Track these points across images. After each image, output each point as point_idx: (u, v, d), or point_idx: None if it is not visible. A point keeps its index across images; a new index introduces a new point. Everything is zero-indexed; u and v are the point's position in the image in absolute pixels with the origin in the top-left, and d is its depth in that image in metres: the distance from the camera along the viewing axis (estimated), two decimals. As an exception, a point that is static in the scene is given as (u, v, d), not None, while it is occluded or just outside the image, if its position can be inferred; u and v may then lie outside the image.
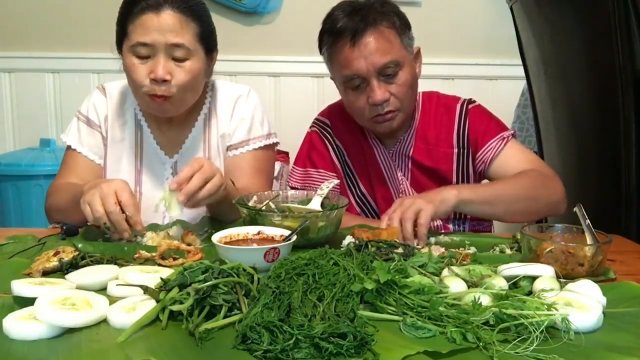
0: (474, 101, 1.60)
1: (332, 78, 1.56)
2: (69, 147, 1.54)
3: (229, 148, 1.55)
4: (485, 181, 1.58)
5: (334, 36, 1.44)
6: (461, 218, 1.58)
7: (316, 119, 1.69)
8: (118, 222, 1.17)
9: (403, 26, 1.47)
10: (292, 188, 1.63)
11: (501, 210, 1.38)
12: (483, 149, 1.52)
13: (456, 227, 1.57)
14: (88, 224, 1.27)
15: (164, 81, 1.35)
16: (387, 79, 1.43)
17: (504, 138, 1.52)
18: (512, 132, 1.54)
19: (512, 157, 1.51)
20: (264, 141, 1.55)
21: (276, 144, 1.60)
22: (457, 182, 1.56)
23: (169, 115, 1.48)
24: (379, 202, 1.59)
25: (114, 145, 1.53)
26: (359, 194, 1.62)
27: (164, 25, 1.34)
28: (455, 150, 1.55)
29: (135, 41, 1.35)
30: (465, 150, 1.55)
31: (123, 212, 1.18)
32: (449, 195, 1.30)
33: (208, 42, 1.44)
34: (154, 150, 1.53)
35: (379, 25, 1.42)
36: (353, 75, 1.43)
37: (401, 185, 1.58)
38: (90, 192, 1.20)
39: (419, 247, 1.21)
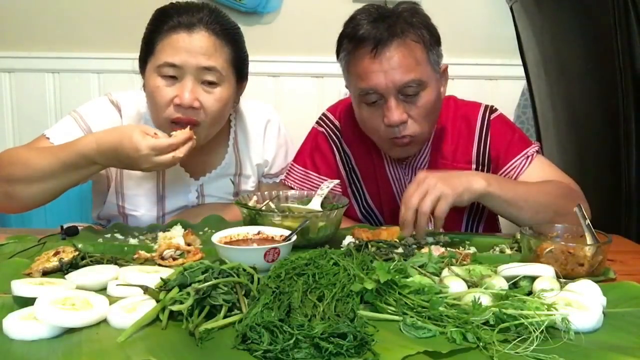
0: (496, 109, 1.50)
1: (346, 86, 1.45)
2: (42, 136, 1.36)
3: (267, 175, 1.56)
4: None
5: (354, 43, 1.31)
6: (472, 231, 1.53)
7: (325, 116, 1.57)
8: (181, 143, 1.18)
9: (432, 41, 1.33)
10: (288, 186, 1.57)
11: (526, 215, 1.27)
12: (505, 167, 1.43)
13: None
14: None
15: (192, 107, 1.27)
16: (407, 98, 1.31)
17: (529, 156, 1.43)
18: (536, 147, 1.46)
19: (539, 172, 1.41)
20: None
21: None
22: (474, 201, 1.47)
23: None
24: (385, 215, 1.52)
25: (131, 171, 1.39)
26: (365, 205, 1.53)
27: (196, 47, 1.25)
28: (474, 166, 1.45)
29: (163, 61, 1.25)
30: (485, 168, 1.45)
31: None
32: (477, 185, 1.20)
33: (240, 69, 1.37)
34: (177, 174, 1.45)
35: (405, 37, 1.29)
36: (370, 89, 1.30)
37: None
38: (133, 157, 1.15)
39: (434, 233, 1.18)
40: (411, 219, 1.17)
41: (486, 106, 1.51)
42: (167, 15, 1.28)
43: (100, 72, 2.75)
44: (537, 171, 1.42)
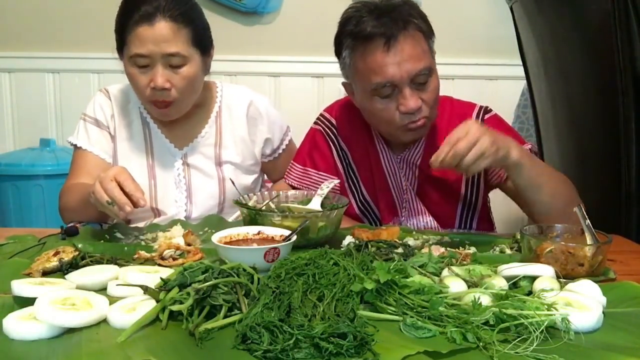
0: (490, 110, 1.54)
1: (347, 83, 1.48)
2: (78, 148, 1.58)
3: (269, 153, 1.68)
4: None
5: (363, 40, 1.36)
6: (466, 228, 1.54)
7: (322, 115, 1.63)
8: (117, 197, 1.19)
9: (428, 31, 1.41)
10: (288, 185, 1.60)
11: (543, 198, 1.30)
12: None
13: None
14: (102, 223, 1.34)
15: (164, 89, 1.42)
16: (419, 86, 1.37)
17: None
18: (529, 146, 1.47)
19: None
20: (290, 134, 1.72)
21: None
22: (466, 194, 1.51)
23: (173, 118, 1.54)
24: (382, 209, 1.54)
25: (122, 144, 1.58)
26: (361, 198, 1.57)
27: (158, 36, 1.40)
28: None
29: (133, 53, 1.41)
30: None
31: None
32: (514, 152, 1.22)
33: (203, 43, 1.49)
34: (164, 145, 1.59)
35: (409, 29, 1.36)
36: (385, 82, 1.35)
37: (405, 195, 1.52)
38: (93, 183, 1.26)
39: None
40: (449, 158, 1.17)
41: (481, 106, 1.55)
42: (130, 9, 1.43)
43: (100, 72, 2.76)
44: None
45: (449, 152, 1.17)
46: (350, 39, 1.39)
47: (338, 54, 1.44)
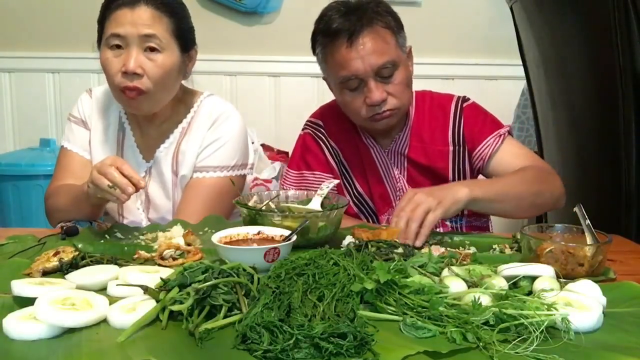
0: (468, 99, 1.61)
1: (324, 78, 1.57)
2: (64, 148, 1.59)
3: (195, 169, 1.53)
4: (481, 177, 1.59)
5: (330, 37, 1.44)
6: (459, 214, 1.57)
7: (308, 120, 1.69)
8: (118, 179, 1.20)
9: (397, 26, 1.48)
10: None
11: (510, 206, 1.39)
12: (480, 146, 1.54)
13: (453, 223, 1.58)
14: (92, 221, 1.32)
15: (137, 74, 1.38)
16: (384, 79, 1.44)
17: (501, 135, 1.53)
18: (507, 128, 1.56)
19: (510, 153, 1.52)
20: (234, 171, 1.54)
21: (244, 176, 1.58)
22: (454, 179, 1.56)
23: (143, 113, 1.49)
24: (376, 200, 1.60)
25: (97, 146, 1.57)
26: (356, 193, 1.62)
27: (137, 19, 1.38)
28: (451, 148, 1.56)
29: (110, 33, 1.39)
30: (461, 148, 1.56)
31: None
32: (461, 194, 1.29)
33: (184, 39, 1.46)
34: (133, 153, 1.57)
35: (375, 25, 1.43)
36: (350, 76, 1.43)
37: (398, 183, 1.58)
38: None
39: (417, 246, 1.21)
40: (404, 227, 1.23)
41: (459, 96, 1.62)
42: None
43: (100, 72, 2.73)
44: (510, 149, 1.53)
45: (399, 220, 1.23)
46: (321, 35, 1.48)
47: (313, 50, 1.54)
